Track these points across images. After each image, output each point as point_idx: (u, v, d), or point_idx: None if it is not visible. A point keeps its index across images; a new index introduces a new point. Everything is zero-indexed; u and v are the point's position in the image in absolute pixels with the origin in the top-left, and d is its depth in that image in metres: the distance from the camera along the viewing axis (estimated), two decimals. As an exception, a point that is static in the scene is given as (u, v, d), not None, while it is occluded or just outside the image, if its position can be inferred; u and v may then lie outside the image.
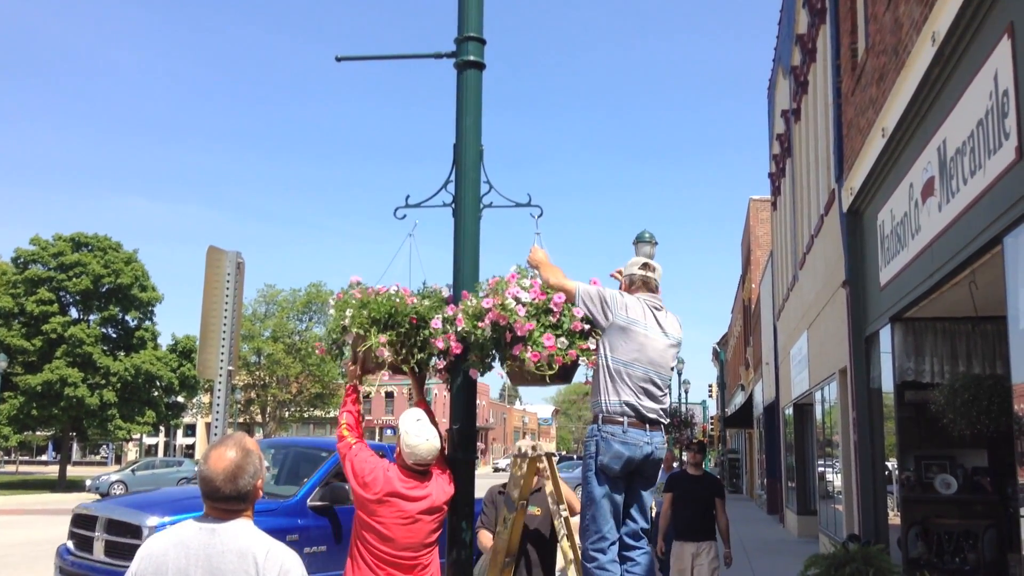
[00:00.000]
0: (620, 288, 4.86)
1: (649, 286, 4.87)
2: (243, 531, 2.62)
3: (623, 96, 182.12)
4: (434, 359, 4.57)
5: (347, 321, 4.50)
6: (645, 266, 4.91)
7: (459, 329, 4.25)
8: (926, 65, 6.71)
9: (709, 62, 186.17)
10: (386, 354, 4.46)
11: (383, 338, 4.42)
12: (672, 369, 4.89)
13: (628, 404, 4.53)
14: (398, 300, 4.51)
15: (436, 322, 4.41)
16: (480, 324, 4.19)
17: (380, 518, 4.24)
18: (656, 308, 4.73)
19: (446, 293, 4.68)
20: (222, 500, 2.63)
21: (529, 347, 4.17)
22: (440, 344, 4.38)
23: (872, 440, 9.97)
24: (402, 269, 4.87)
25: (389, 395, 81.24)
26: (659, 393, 4.67)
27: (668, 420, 4.75)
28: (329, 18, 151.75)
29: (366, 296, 4.55)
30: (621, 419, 4.52)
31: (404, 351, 4.53)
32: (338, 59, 5.37)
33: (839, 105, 11.24)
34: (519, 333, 4.16)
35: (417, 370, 4.69)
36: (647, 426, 4.56)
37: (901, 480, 8.94)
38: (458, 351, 4.40)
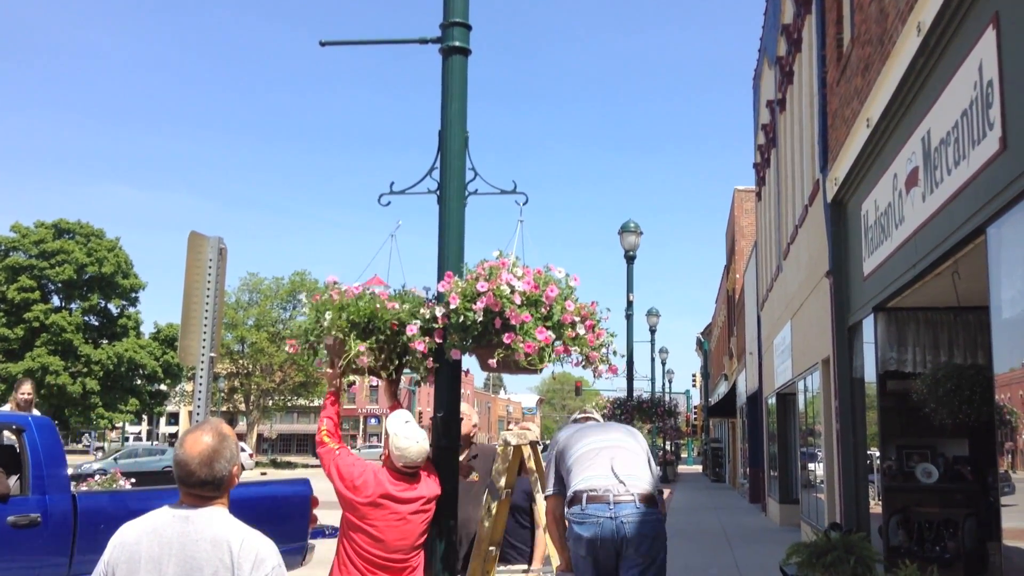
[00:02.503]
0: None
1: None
2: (217, 519, 2.60)
3: (609, 85, 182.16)
4: (425, 361, 4.51)
5: (326, 323, 4.43)
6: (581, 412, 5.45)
7: (453, 307, 4.23)
8: (911, 55, 6.72)
9: (695, 52, 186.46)
10: (365, 361, 4.41)
11: (363, 347, 4.37)
12: (647, 458, 4.78)
13: (586, 480, 4.52)
14: (378, 305, 4.41)
15: (412, 328, 4.35)
16: (474, 307, 4.17)
17: (372, 520, 4.24)
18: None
19: (423, 294, 4.62)
20: (197, 485, 2.60)
21: (523, 337, 4.15)
22: (421, 347, 4.35)
23: (854, 429, 10.02)
24: (382, 266, 4.83)
25: (373, 385, 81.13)
26: (626, 469, 4.55)
27: (654, 492, 4.58)
28: (314, 2, 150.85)
29: (343, 298, 4.47)
30: (581, 495, 4.49)
31: (383, 357, 4.49)
32: (322, 44, 5.33)
33: (824, 95, 11.25)
34: (513, 321, 4.14)
35: (394, 376, 4.67)
36: (612, 498, 4.42)
37: (882, 469, 8.99)
38: (440, 340, 4.38)
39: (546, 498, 4.85)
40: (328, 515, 7.18)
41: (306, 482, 7.91)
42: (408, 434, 4.32)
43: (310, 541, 7.64)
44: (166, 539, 2.56)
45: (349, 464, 4.37)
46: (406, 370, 4.83)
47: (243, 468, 47.31)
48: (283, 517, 7.35)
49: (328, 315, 4.42)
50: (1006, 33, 4.99)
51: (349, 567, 4.26)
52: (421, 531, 4.37)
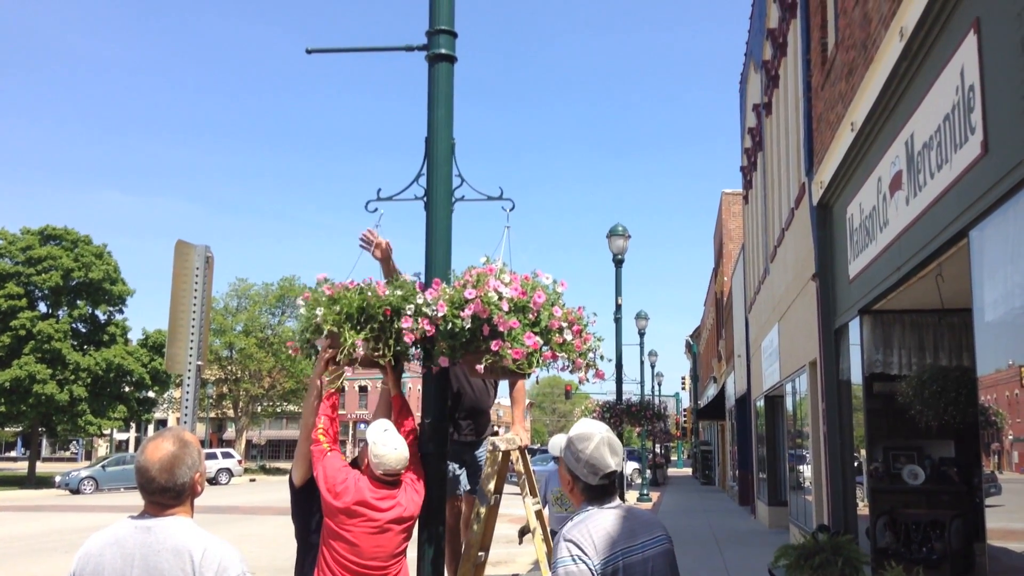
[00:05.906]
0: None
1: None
2: (179, 528, 2.59)
3: (596, 89, 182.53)
4: (412, 350, 4.52)
5: (319, 319, 4.41)
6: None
7: (441, 314, 4.21)
8: (894, 60, 6.77)
9: (682, 55, 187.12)
10: (361, 352, 4.38)
11: (359, 341, 4.35)
12: None
13: None
14: (370, 293, 4.41)
15: (407, 320, 4.33)
16: (462, 315, 4.17)
17: (348, 527, 4.20)
18: None
19: (413, 280, 4.61)
20: (158, 491, 2.60)
21: (510, 344, 4.15)
22: (409, 339, 4.35)
23: (841, 431, 10.07)
24: (369, 264, 4.83)
25: (363, 389, 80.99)
26: None
27: None
28: (301, 10, 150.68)
29: (337, 292, 4.46)
30: None
31: (380, 345, 4.45)
32: (308, 51, 5.34)
33: (809, 99, 11.32)
34: (500, 328, 4.14)
35: (393, 363, 4.61)
36: None
37: (869, 471, 9.03)
38: (431, 332, 4.37)
39: None
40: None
41: None
42: (386, 441, 4.29)
43: None
44: (128, 551, 2.55)
45: (335, 468, 4.33)
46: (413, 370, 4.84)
47: (233, 474, 46.32)
48: None
49: (320, 311, 4.41)
50: (987, 38, 5.04)
51: (328, 574, 4.23)
52: (399, 540, 4.31)
